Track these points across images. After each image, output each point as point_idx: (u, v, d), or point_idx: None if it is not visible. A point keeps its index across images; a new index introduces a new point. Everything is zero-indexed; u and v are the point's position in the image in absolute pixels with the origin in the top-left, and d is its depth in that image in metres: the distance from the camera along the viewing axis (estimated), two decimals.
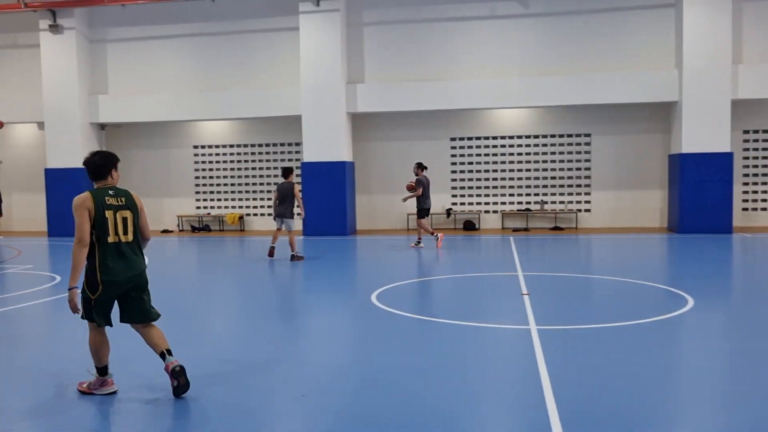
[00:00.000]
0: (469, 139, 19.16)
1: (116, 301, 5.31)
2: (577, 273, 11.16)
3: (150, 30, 19.40)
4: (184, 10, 18.92)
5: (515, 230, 18.59)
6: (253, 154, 20.20)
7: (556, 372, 5.61)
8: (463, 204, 19.34)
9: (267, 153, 20.09)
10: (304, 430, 4.67)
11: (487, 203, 19.27)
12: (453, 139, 19.21)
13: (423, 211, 15.14)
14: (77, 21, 19.04)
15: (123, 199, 5.20)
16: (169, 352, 5.31)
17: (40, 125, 19.99)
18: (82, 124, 19.20)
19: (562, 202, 18.91)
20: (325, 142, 17.89)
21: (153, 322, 5.42)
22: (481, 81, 17.76)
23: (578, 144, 18.72)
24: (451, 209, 19.17)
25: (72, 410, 5.11)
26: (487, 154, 19.12)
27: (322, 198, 17.89)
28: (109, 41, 19.70)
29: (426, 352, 6.50)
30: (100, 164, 5.24)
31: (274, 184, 19.91)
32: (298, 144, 19.55)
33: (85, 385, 5.45)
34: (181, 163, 20.52)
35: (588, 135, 18.66)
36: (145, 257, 5.47)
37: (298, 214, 13.86)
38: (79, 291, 5.12)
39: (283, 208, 13.06)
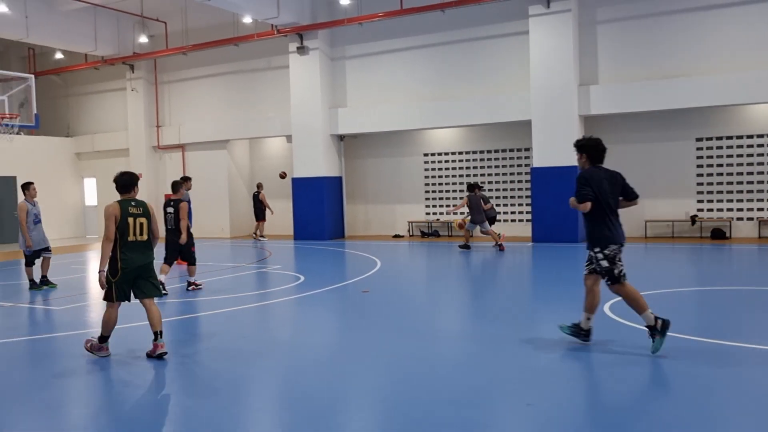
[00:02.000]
0: (719, 138, 17.37)
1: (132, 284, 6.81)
2: None
3: (384, 44, 20.35)
4: (416, 23, 19.56)
5: None
6: (481, 160, 20.24)
7: None
8: (710, 210, 17.56)
9: (495, 159, 20.01)
10: None
11: (740, 209, 17.30)
12: (699, 140, 17.55)
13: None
14: (320, 42, 20.59)
15: (141, 209, 6.82)
16: (161, 333, 6.80)
17: (288, 138, 21.91)
18: (323, 137, 20.69)
19: None
20: (556, 147, 17.35)
21: (156, 301, 7.00)
22: (732, 74, 16.01)
23: None
24: (696, 216, 17.51)
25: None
26: (740, 155, 17.17)
27: (552, 204, 17.35)
28: (347, 58, 21.02)
29: (669, 371, 5.92)
30: (128, 182, 6.90)
31: (503, 190, 19.80)
32: (527, 149, 19.21)
33: (88, 345, 6.93)
34: (411, 171, 21.22)
35: None
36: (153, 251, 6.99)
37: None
38: (105, 274, 6.70)
39: (477, 216, 16.35)
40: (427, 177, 21.04)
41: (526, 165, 19.41)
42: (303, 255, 17.10)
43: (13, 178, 23.14)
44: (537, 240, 17.62)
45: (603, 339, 7.18)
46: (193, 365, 6.75)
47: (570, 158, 17.20)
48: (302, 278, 12.34)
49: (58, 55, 24.98)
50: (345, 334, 8.09)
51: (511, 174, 19.80)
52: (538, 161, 17.64)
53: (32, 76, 17.07)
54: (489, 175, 20.09)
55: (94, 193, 26.34)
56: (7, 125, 15.67)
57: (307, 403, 5.36)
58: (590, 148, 6.85)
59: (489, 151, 20.11)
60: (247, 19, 20.64)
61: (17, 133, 16.25)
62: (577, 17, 17.41)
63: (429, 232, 20.86)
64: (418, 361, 6.56)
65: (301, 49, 20.55)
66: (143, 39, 23.12)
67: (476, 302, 10.04)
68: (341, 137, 21.47)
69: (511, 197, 19.84)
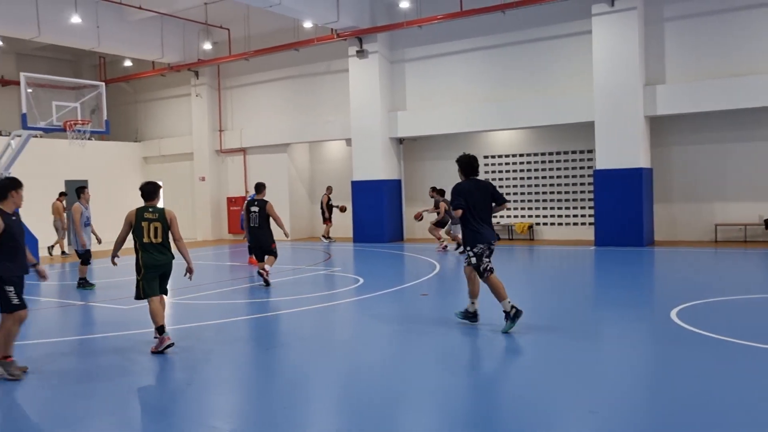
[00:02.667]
0: None
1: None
2: None
3: (444, 47, 20.25)
4: (476, 25, 19.38)
5: None
6: (543, 162, 19.90)
7: None
8: None
9: (558, 161, 19.64)
10: None
11: None
12: None
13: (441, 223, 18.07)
14: (380, 45, 20.64)
15: (157, 215, 7.49)
16: (163, 328, 7.24)
17: (348, 142, 22.04)
18: (382, 140, 20.73)
19: None
20: (621, 149, 16.90)
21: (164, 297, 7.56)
22: None
23: None
24: None
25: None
26: None
27: (615, 207, 16.93)
28: (407, 61, 21.01)
29: (740, 380, 5.67)
30: (150, 191, 7.66)
31: (565, 192, 19.44)
32: (590, 151, 18.80)
33: (153, 348, 7.17)
34: None
35: None
36: (174, 252, 7.52)
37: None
38: (115, 260, 7.96)
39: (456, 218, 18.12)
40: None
41: (588, 167, 18.98)
42: (362, 257, 17.16)
43: (85, 182, 24.02)
44: (600, 244, 17.20)
45: (667, 348, 6.94)
46: (253, 364, 6.84)
47: (636, 160, 16.77)
48: (362, 280, 12.37)
49: (127, 63, 25.85)
50: (403, 336, 8.05)
51: (573, 176, 19.41)
52: (601, 163, 17.23)
53: (103, 83, 17.67)
54: (550, 177, 19.74)
55: (162, 195, 27.08)
56: (79, 131, 16.26)
57: (365, 404, 5.35)
58: (463, 164, 8.00)
59: (551, 153, 19.76)
60: (308, 24, 20.88)
61: (89, 139, 16.83)
62: (642, 15, 16.94)
63: None
64: (476, 365, 6.47)
65: (361, 53, 20.66)
66: (207, 46, 23.68)
67: (534, 305, 9.85)
68: (400, 140, 21.47)
69: (573, 200, 19.45)
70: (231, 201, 24.65)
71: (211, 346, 7.47)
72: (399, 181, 21.46)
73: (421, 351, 7.17)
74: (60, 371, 6.69)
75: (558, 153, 19.60)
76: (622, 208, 16.87)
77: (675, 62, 16.91)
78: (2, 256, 6.21)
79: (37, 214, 20.06)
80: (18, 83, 16.44)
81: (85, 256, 12.43)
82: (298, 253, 18.41)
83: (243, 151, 24.62)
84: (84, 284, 12.51)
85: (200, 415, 5.38)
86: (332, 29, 20.36)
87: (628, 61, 16.72)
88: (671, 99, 16.70)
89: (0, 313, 6.37)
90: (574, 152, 19.37)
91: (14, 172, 16.53)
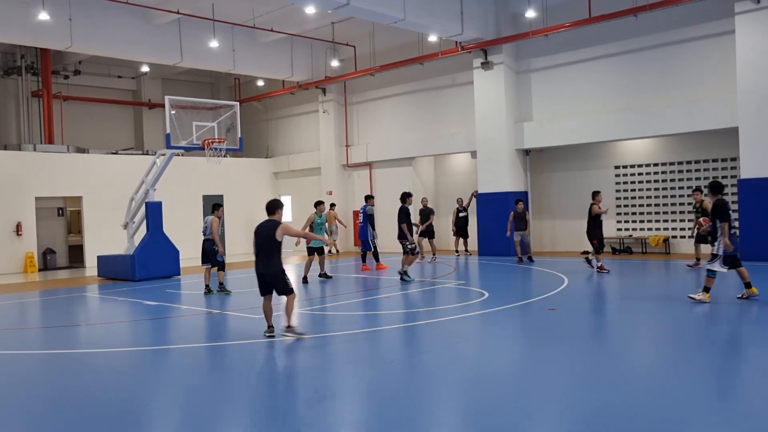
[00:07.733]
0: None
1: None
2: None
3: (571, 55, 19.66)
4: (605, 31, 18.66)
5: None
6: (680, 172, 18.79)
7: None
8: None
9: (696, 171, 18.47)
10: None
11: None
12: None
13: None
14: (505, 56, 20.35)
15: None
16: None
17: (473, 154, 21.86)
18: (508, 151, 20.37)
19: None
20: None
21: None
22: None
23: None
24: None
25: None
26: None
27: (765, 219, 15.66)
28: (533, 71, 20.57)
29: None
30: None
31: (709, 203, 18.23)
32: (733, 159, 17.54)
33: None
34: (601, 184, 20.13)
35: None
36: None
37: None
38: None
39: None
40: (618, 191, 19.93)
41: (732, 176, 17.71)
42: (487, 271, 16.91)
43: (221, 197, 25.36)
44: (746, 258, 15.90)
45: None
46: (375, 376, 6.86)
47: None
48: (486, 294, 12.16)
49: (260, 83, 27.12)
50: (529, 352, 7.81)
51: None
52: (746, 172, 16.01)
53: (237, 103, 18.59)
54: (688, 187, 18.58)
55: (289, 209, 28.07)
56: (216, 149, 17.18)
57: (490, 420, 5.20)
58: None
59: (687, 162, 18.63)
60: (432, 38, 20.98)
61: (224, 156, 17.74)
62: None
63: (621, 249, 19.73)
64: (606, 386, 6.15)
65: (486, 65, 20.46)
66: (334, 63, 24.38)
67: (672, 325, 9.25)
68: (527, 151, 21.03)
69: None
70: (357, 214, 25.09)
71: (340, 358, 7.56)
72: (526, 194, 20.99)
73: (547, 367, 6.91)
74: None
75: (696, 162, 18.45)
76: None
77: None
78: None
79: (177, 227, 21.38)
80: (163, 106, 17.61)
81: (222, 264, 13.68)
82: (422, 267, 18.43)
83: (369, 165, 25.06)
84: (222, 290, 13.66)
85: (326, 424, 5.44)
86: (457, 42, 20.32)
87: None
88: None
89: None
90: (715, 160, 18.16)
91: (158, 188, 17.75)
